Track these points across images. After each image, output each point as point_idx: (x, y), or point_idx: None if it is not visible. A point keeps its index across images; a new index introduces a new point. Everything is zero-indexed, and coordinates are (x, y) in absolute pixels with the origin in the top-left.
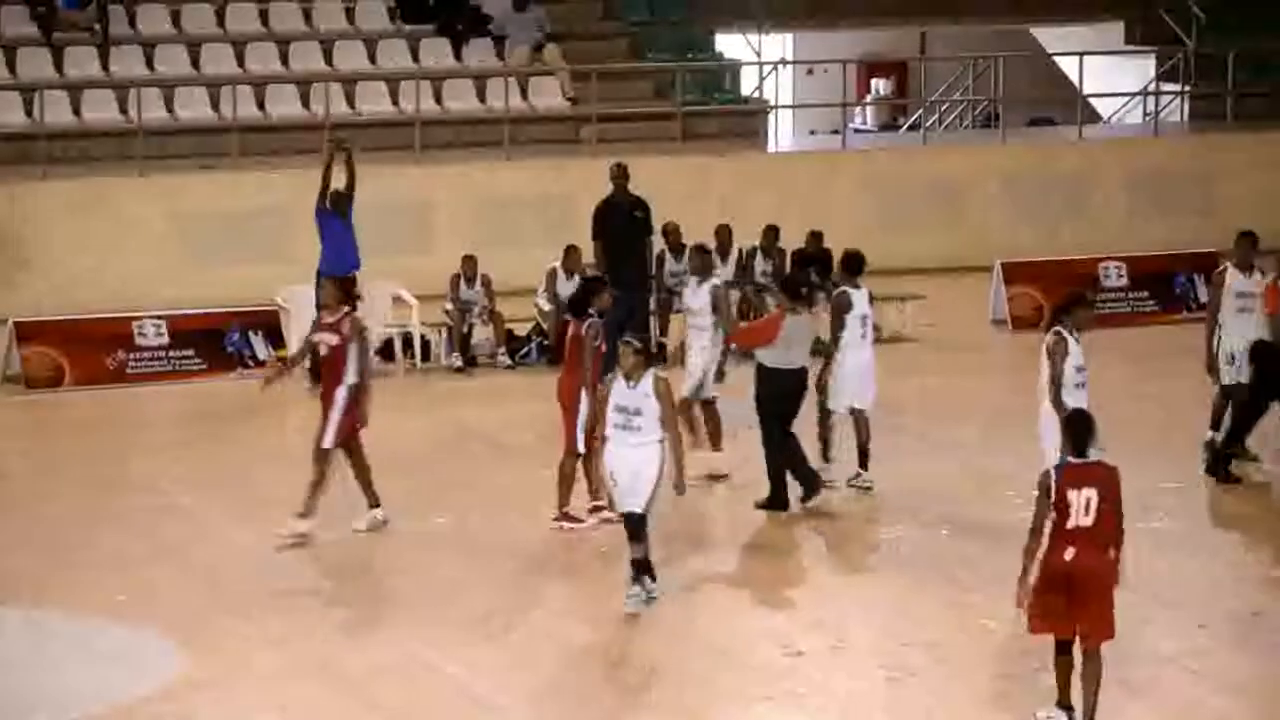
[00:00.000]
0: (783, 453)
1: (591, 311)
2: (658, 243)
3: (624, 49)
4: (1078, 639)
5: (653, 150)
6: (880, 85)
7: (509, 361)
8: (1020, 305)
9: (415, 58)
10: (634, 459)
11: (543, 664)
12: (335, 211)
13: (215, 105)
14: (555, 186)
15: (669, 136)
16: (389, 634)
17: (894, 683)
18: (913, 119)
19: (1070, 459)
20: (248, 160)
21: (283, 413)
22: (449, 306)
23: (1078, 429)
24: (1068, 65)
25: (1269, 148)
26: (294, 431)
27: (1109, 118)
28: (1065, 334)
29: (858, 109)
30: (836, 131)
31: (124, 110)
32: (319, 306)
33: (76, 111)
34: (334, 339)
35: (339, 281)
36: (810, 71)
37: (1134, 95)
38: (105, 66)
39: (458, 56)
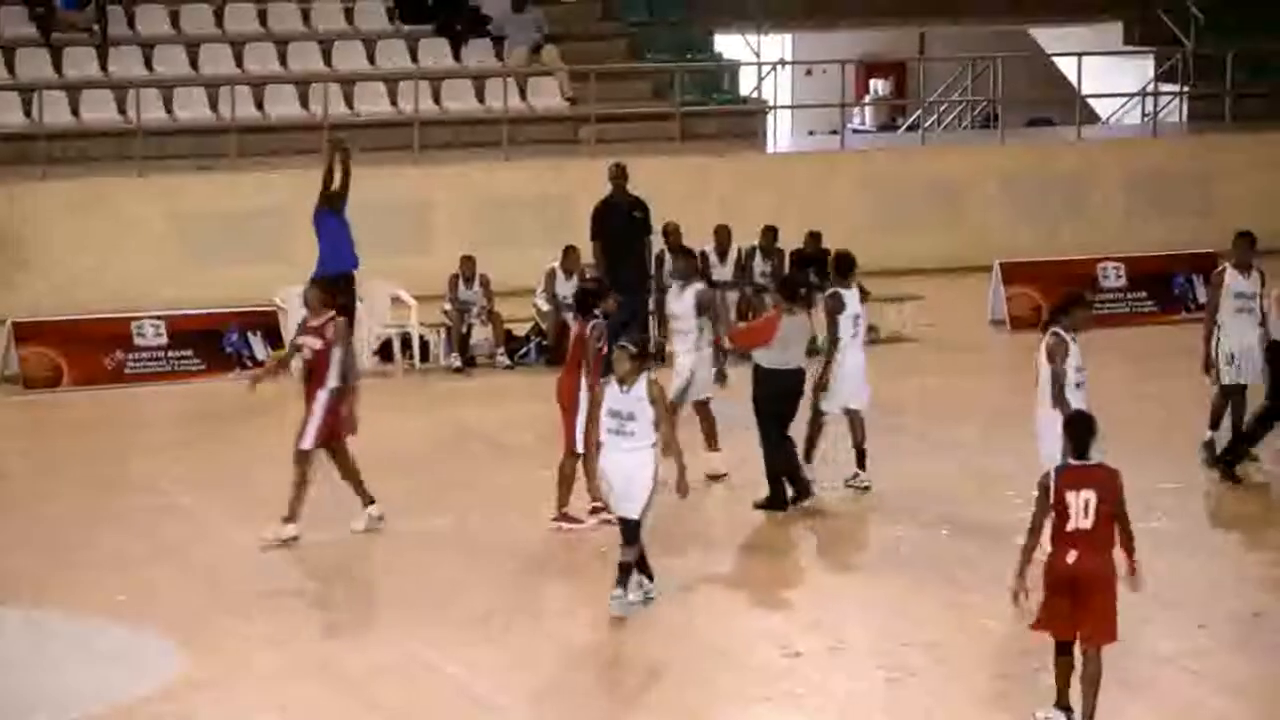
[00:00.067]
0: (778, 454)
1: (597, 313)
2: (657, 243)
3: (623, 49)
4: (1078, 640)
5: (651, 151)
6: (879, 86)
7: (508, 362)
8: (1019, 305)
9: (414, 58)
10: (627, 464)
11: (543, 664)
12: (330, 209)
13: (214, 106)
14: (554, 187)
15: (668, 137)
16: (389, 634)
17: (893, 683)
18: (911, 119)
19: (1071, 461)
20: (246, 161)
21: (282, 413)
22: (448, 307)
23: (1079, 431)
24: (1066, 66)
25: (1267, 148)
26: (294, 432)
27: (1108, 118)
28: (1064, 334)
29: (856, 109)
30: (835, 132)
31: (123, 110)
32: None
33: (75, 112)
34: (317, 343)
35: (325, 284)
36: (809, 72)
37: (1133, 96)
38: (104, 67)
39: (456, 57)
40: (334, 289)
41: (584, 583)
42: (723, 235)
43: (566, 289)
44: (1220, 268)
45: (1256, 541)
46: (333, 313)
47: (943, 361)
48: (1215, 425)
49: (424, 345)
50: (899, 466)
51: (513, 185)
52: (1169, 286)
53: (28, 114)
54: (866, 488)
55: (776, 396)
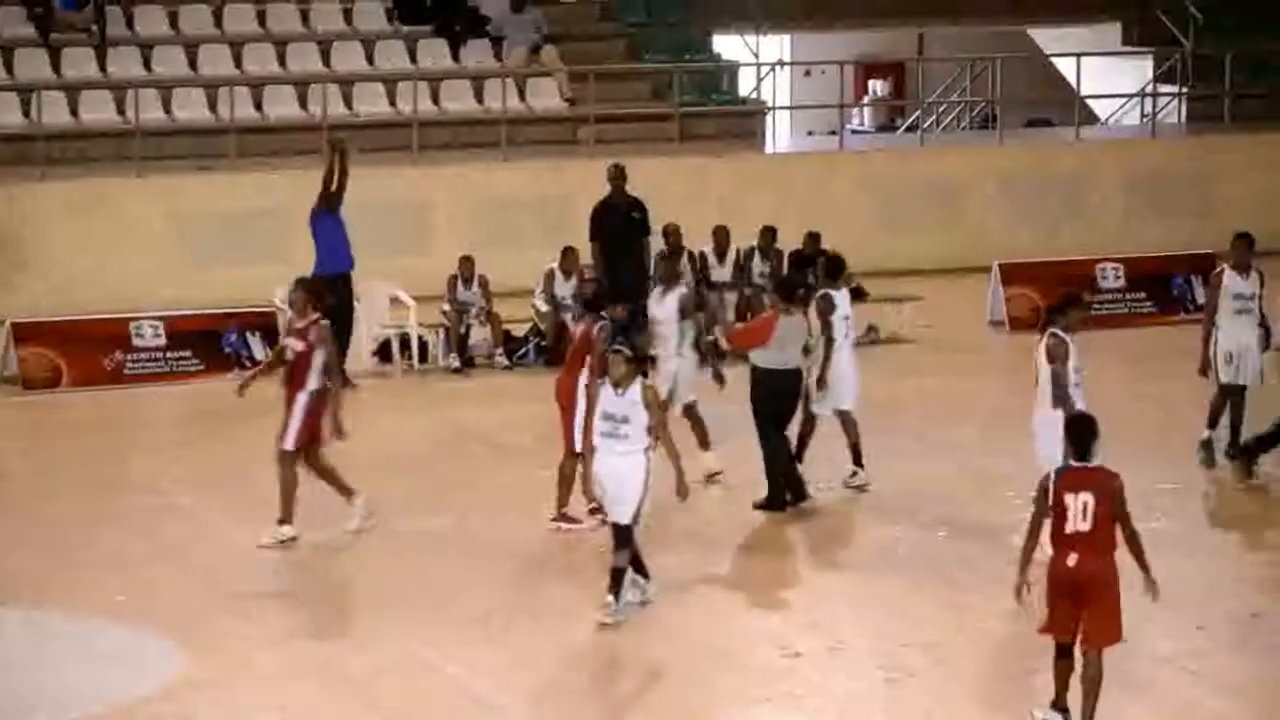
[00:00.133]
0: (777, 455)
1: (604, 314)
2: (656, 243)
3: (621, 50)
4: (1079, 642)
5: (650, 151)
6: (878, 86)
7: (506, 362)
8: (1018, 306)
9: (413, 59)
10: (620, 467)
11: (543, 664)
12: (327, 209)
13: (213, 106)
14: (553, 187)
15: (666, 137)
16: (389, 634)
17: (892, 683)
18: (910, 120)
19: (1071, 462)
20: (245, 161)
21: (282, 413)
22: (446, 307)
23: (1080, 432)
24: (1065, 66)
25: (1266, 149)
26: None
27: (1106, 119)
28: (1063, 335)
29: (855, 110)
30: (834, 132)
31: (121, 111)
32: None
33: (74, 112)
34: (300, 345)
35: (316, 285)
36: (808, 72)
37: (1131, 96)
38: (103, 67)
39: (455, 57)
40: (329, 290)
41: (584, 583)
42: (721, 236)
43: (565, 290)
44: (1219, 269)
45: (1255, 542)
46: (317, 315)
47: (941, 362)
48: (1213, 425)
49: (423, 346)
50: (897, 467)
51: (511, 186)
52: (1168, 287)
53: (26, 114)
54: (865, 487)
55: (774, 396)
